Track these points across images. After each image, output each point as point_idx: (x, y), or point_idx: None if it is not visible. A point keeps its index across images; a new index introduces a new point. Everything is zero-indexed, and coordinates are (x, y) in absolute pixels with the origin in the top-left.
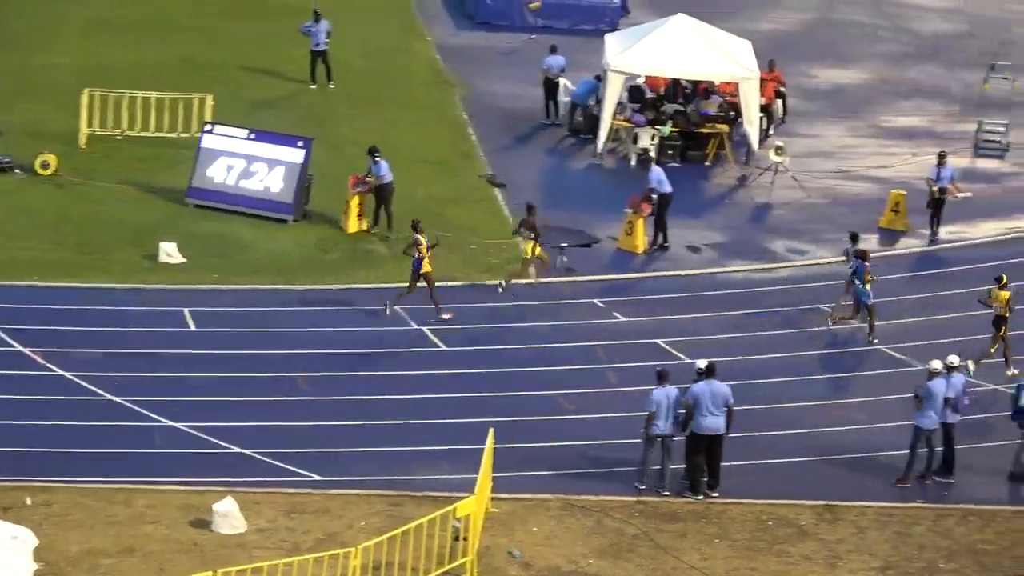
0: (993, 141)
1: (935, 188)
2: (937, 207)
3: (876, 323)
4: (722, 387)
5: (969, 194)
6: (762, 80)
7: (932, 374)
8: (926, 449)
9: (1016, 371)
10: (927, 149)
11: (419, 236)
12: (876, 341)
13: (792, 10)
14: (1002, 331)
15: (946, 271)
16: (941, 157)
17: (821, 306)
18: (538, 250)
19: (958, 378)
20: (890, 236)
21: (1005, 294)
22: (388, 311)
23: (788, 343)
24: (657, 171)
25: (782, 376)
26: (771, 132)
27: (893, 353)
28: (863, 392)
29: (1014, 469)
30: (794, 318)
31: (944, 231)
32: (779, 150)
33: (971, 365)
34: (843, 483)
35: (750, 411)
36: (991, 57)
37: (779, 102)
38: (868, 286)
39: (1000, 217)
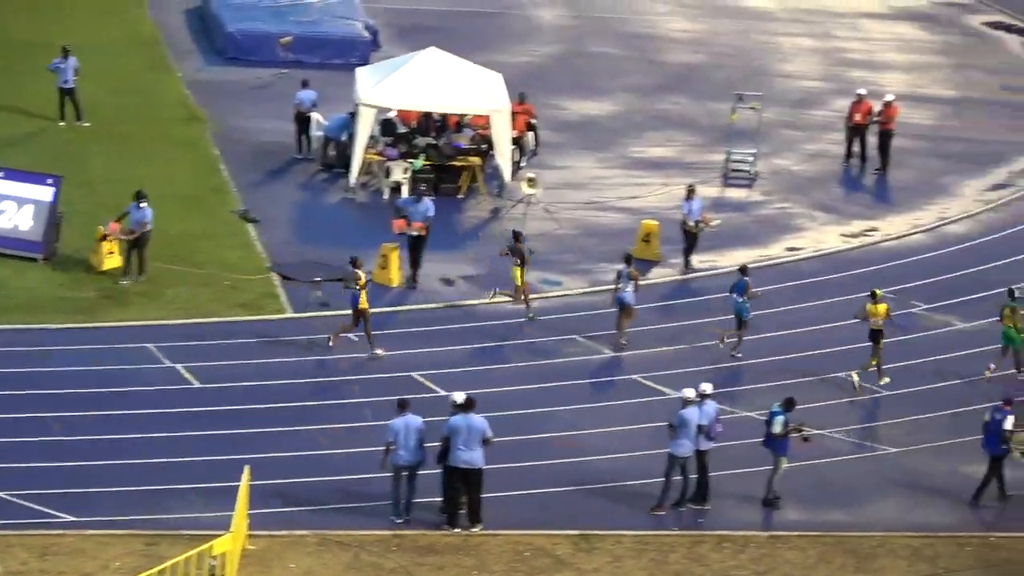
0: (741, 170)
1: (689, 222)
2: (691, 239)
3: (744, 338)
4: (479, 421)
5: (718, 222)
6: (513, 113)
7: (685, 402)
8: (680, 477)
9: (888, 379)
10: (677, 179)
11: (358, 271)
12: (740, 356)
13: (542, 43)
14: (879, 343)
15: (698, 300)
16: (690, 190)
17: (576, 336)
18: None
19: (710, 406)
20: (642, 266)
21: (883, 307)
22: (381, 351)
23: (542, 374)
24: (428, 203)
25: (536, 407)
26: (523, 164)
27: (646, 382)
28: (617, 421)
29: (767, 495)
30: (549, 348)
31: (696, 260)
32: (531, 182)
33: (855, 377)
34: (599, 512)
35: (505, 442)
36: (738, 88)
37: (530, 134)
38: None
39: (750, 245)
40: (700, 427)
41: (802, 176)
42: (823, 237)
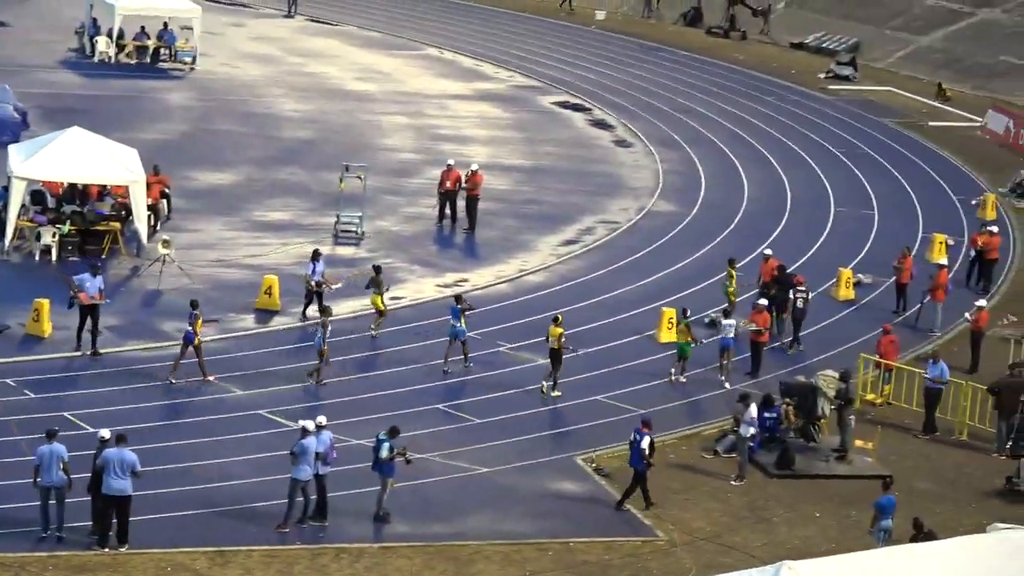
0: (350, 231)
1: (311, 281)
2: (311, 295)
3: (469, 353)
4: (130, 454)
5: (341, 284)
6: (148, 183)
7: (305, 432)
8: (302, 498)
9: (558, 393)
10: (294, 239)
11: (196, 312)
12: (471, 366)
13: (173, 122)
14: (560, 360)
15: (312, 344)
16: (315, 253)
17: (211, 378)
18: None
19: (326, 435)
20: (265, 315)
21: (559, 330)
22: (212, 378)
23: (181, 410)
24: (100, 278)
25: (176, 439)
26: (159, 228)
27: (271, 416)
28: (246, 451)
29: (377, 511)
30: (187, 389)
31: (311, 309)
32: (166, 243)
33: (549, 388)
34: (231, 530)
35: (151, 472)
36: (345, 159)
37: (164, 201)
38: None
39: (359, 296)
40: (318, 454)
41: (402, 235)
42: (422, 287)
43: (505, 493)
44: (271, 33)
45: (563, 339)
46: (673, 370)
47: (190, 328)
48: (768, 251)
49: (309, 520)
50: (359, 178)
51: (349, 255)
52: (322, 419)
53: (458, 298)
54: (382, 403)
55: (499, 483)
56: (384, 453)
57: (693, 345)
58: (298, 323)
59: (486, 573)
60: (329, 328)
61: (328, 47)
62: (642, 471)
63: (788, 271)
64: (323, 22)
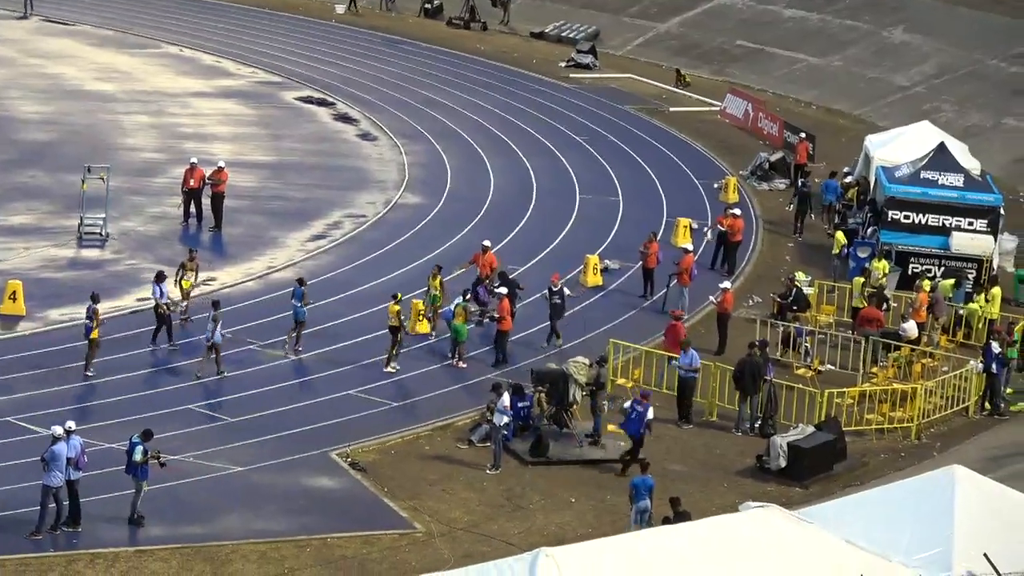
0: (94, 233)
1: (161, 304)
2: (161, 320)
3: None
4: None
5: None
6: None
7: (55, 439)
8: (54, 504)
9: (396, 366)
10: (37, 242)
11: (96, 307)
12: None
13: None
14: (399, 336)
15: (59, 348)
16: (159, 275)
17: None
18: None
19: (76, 440)
20: (9, 320)
21: (396, 307)
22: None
23: None
24: None
25: None
26: None
27: (19, 423)
28: None
29: (132, 515)
30: None
31: (56, 313)
32: None
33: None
34: None
35: None
36: (87, 160)
37: None
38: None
39: (105, 298)
40: (69, 459)
41: (147, 235)
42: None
43: (261, 491)
44: (6, 34)
45: (401, 316)
46: (451, 355)
47: (91, 323)
48: (487, 242)
49: (62, 526)
50: (101, 179)
51: (94, 257)
52: (71, 424)
53: (301, 280)
54: (135, 406)
55: (254, 481)
56: (137, 456)
57: (470, 326)
58: (42, 328)
59: (244, 572)
60: (220, 322)
61: (65, 47)
62: (640, 438)
63: (511, 275)
64: (59, 22)
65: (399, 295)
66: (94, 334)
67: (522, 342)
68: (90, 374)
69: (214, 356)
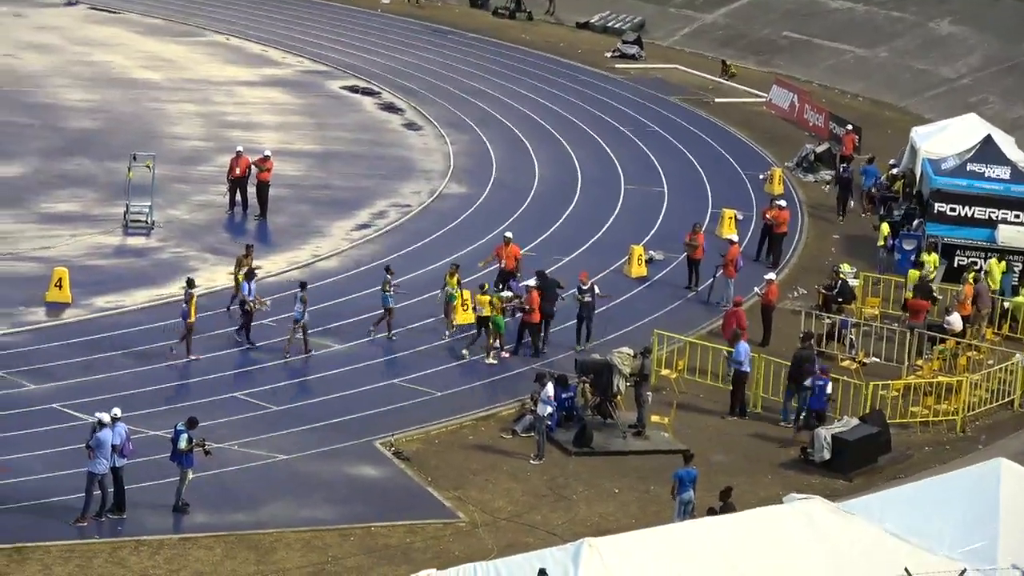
0: (139, 221)
1: (248, 301)
2: (248, 316)
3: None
4: None
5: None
6: None
7: (101, 425)
8: (99, 491)
9: (497, 357)
10: (83, 230)
11: (192, 291)
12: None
13: None
14: (490, 326)
15: (105, 336)
16: (250, 273)
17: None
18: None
19: (121, 427)
20: (56, 308)
21: (485, 298)
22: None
23: None
24: None
25: None
26: None
27: (64, 410)
28: (42, 445)
29: (176, 503)
30: None
31: (102, 301)
32: None
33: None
34: (28, 527)
35: None
36: (132, 149)
37: None
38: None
39: (151, 286)
40: (114, 447)
41: (193, 223)
42: (215, 276)
43: (305, 480)
44: (53, 22)
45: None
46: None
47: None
48: (508, 233)
49: (107, 513)
50: (147, 167)
51: (139, 245)
52: (117, 411)
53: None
54: (180, 393)
55: (299, 470)
56: (183, 444)
57: (507, 319)
58: (88, 315)
59: (288, 560)
60: (307, 302)
61: (112, 35)
62: (823, 411)
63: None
64: (106, 10)
65: (486, 284)
66: (191, 318)
67: (553, 342)
68: (194, 358)
69: (301, 335)
